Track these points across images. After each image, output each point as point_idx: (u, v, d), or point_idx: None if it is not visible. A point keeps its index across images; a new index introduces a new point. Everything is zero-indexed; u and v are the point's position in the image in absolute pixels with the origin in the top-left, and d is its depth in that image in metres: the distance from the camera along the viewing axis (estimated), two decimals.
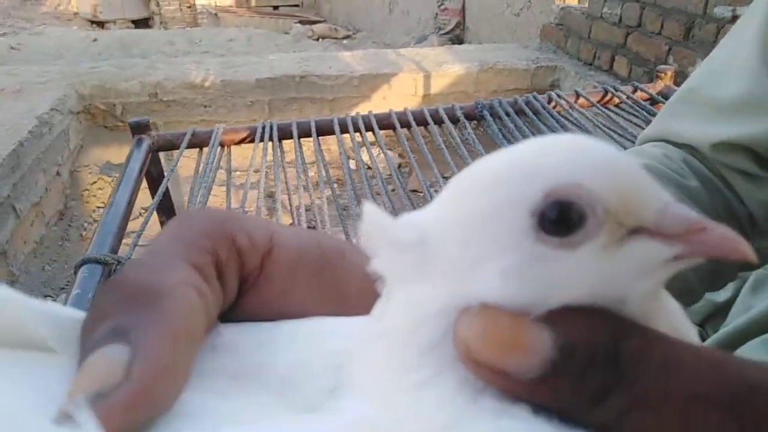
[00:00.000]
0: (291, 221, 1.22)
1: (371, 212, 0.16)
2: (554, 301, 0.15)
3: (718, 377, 0.14)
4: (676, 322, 0.17)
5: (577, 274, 0.15)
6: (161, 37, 4.66)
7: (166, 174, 1.20)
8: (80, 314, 0.16)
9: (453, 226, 0.16)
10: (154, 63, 2.65)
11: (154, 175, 1.26)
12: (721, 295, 0.73)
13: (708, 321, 0.74)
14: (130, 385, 0.14)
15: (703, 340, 0.72)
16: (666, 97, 1.39)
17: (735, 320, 0.69)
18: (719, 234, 0.15)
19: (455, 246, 0.16)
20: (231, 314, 0.20)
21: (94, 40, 4.35)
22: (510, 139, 1.30)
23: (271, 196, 1.84)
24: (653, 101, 1.42)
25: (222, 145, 1.25)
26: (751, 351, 0.64)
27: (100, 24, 6.48)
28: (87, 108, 2.46)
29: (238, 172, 2.06)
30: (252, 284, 0.20)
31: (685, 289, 0.46)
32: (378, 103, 2.53)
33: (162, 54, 3.91)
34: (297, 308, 0.20)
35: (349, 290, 0.20)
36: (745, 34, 0.47)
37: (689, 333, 0.17)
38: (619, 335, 0.14)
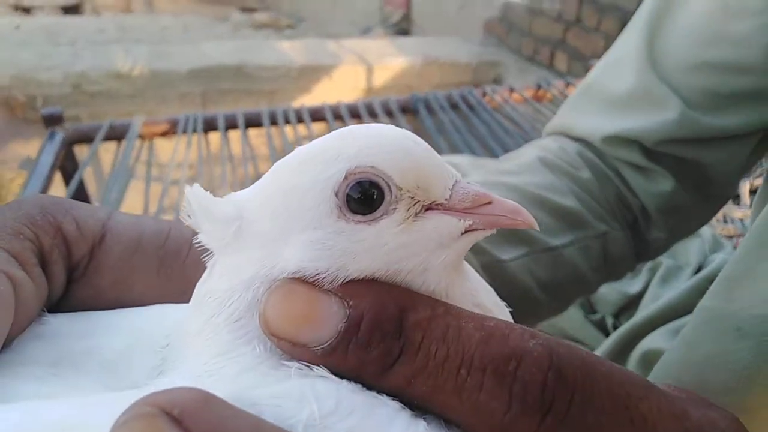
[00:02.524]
0: None
1: (195, 191, 0.17)
2: (353, 270, 0.16)
3: (494, 348, 0.14)
4: (479, 298, 0.18)
5: (375, 246, 0.16)
6: (90, 24, 4.41)
7: (80, 168, 1.13)
8: None
9: (266, 202, 0.17)
10: (78, 51, 2.50)
11: (69, 171, 1.19)
12: (634, 287, 0.76)
13: (622, 312, 0.76)
14: None
15: (615, 329, 0.74)
16: None
17: (645, 310, 0.72)
18: (503, 206, 0.16)
19: (266, 220, 0.17)
20: (63, 305, 0.19)
21: (17, 27, 4.08)
22: (443, 133, 1.30)
23: None
24: None
25: (143, 137, 1.19)
26: (658, 338, 0.66)
27: (26, 10, 6.09)
28: (5, 100, 2.30)
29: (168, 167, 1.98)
30: (81, 274, 0.19)
31: (577, 279, 0.46)
32: (319, 97, 2.48)
33: (91, 43, 3.71)
34: (136, 299, 0.20)
35: (195, 280, 0.20)
36: (635, 28, 0.48)
37: (496, 309, 0.18)
38: (405, 307, 0.15)
